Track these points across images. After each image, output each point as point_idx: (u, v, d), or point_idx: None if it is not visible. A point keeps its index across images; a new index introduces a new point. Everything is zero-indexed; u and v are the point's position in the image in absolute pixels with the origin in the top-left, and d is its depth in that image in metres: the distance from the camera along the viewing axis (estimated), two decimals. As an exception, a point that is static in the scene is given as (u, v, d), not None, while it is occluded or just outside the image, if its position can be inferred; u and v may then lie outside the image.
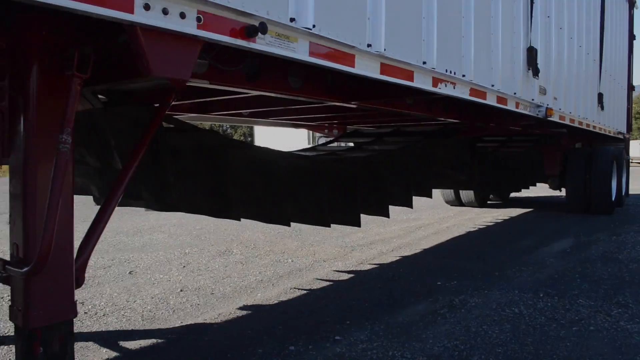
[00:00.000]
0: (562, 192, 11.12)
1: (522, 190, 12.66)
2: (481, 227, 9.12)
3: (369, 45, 3.01)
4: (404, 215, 10.49)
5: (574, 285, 5.28)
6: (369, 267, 6.23)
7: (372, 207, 5.09)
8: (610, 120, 10.61)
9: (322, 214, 4.28)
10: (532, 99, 5.71)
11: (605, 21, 9.44)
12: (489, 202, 12.68)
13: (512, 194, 14.05)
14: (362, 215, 5.30)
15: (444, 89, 3.83)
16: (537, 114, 5.87)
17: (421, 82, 3.55)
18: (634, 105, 55.11)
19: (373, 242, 7.70)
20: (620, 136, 11.88)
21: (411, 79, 3.44)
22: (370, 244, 7.60)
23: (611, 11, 10.15)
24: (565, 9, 6.93)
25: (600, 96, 9.10)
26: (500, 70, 4.79)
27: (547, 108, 5.92)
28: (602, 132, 9.97)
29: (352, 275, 5.87)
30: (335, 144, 7.37)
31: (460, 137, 6.61)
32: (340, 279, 5.72)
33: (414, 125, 7.14)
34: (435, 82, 3.73)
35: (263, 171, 3.92)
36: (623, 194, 11.94)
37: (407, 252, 7.00)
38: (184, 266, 6.36)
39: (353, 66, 2.93)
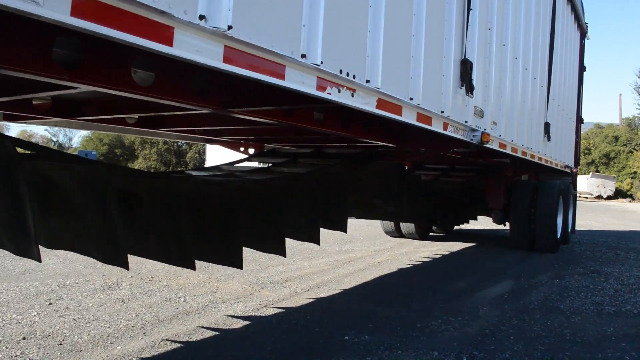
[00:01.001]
0: (508, 227, 10.37)
1: (468, 222, 11.92)
2: (416, 263, 8.20)
3: (201, 18, 2.02)
4: (337, 247, 9.51)
5: (506, 345, 4.35)
6: (272, 311, 5.19)
7: (264, 243, 4.08)
8: (557, 153, 9.95)
9: (183, 251, 3.25)
10: (466, 121, 4.83)
11: (555, 47, 8.79)
12: (431, 234, 11.85)
13: (458, 227, 13.30)
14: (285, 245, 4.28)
15: (335, 96, 2.86)
16: (472, 139, 4.99)
17: (298, 82, 2.57)
18: (582, 141, 56.20)
19: (290, 279, 6.67)
20: (568, 170, 11.23)
21: (281, 77, 2.47)
22: (285, 280, 6.57)
23: (562, 38, 9.54)
24: (510, 25, 6.15)
25: (547, 126, 8.38)
26: (423, 81, 3.87)
27: (483, 133, 5.05)
28: (549, 164, 9.26)
29: (247, 322, 4.82)
30: (245, 164, 6.34)
31: (386, 162, 5.69)
32: (231, 327, 4.67)
33: (340, 147, 6.20)
34: (322, 84, 2.76)
35: (93, 193, 2.87)
36: (569, 230, 11.29)
37: (324, 293, 5.99)
38: (51, 303, 5.20)
39: (170, 44, 1.94)
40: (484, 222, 13.59)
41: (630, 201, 43.36)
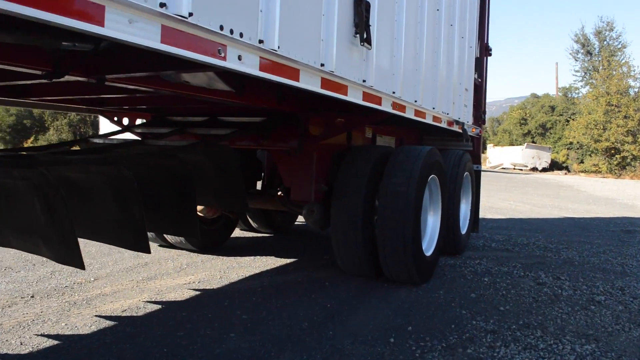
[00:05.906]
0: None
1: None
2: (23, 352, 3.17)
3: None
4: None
5: None
6: None
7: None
8: (423, 92, 4.95)
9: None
10: None
11: None
12: (246, 234, 6.94)
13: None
14: None
15: None
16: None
17: None
18: (519, 111, 52.21)
19: None
20: (456, 128, 6.20)
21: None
22: None
23: None
24: None
25: (358, 8, 3.33)
26: None
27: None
28: (379, 107, 4.13)
29: None
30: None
31: None
32: None
33: None
34: None
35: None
36: (462, 232, 6.42)
37: None
38: None
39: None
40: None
41: (565, 173, 39.62)
